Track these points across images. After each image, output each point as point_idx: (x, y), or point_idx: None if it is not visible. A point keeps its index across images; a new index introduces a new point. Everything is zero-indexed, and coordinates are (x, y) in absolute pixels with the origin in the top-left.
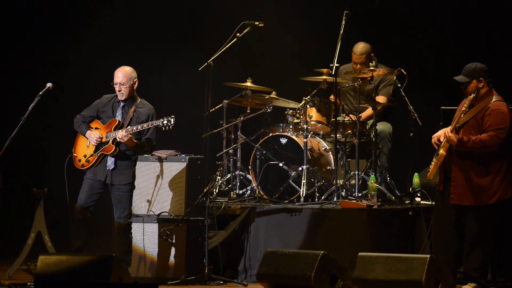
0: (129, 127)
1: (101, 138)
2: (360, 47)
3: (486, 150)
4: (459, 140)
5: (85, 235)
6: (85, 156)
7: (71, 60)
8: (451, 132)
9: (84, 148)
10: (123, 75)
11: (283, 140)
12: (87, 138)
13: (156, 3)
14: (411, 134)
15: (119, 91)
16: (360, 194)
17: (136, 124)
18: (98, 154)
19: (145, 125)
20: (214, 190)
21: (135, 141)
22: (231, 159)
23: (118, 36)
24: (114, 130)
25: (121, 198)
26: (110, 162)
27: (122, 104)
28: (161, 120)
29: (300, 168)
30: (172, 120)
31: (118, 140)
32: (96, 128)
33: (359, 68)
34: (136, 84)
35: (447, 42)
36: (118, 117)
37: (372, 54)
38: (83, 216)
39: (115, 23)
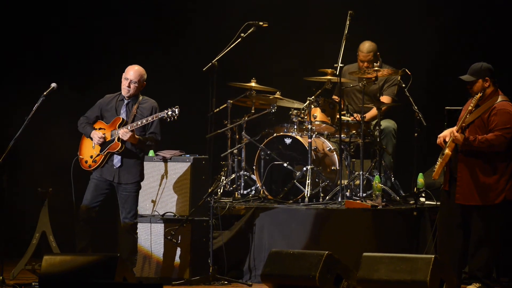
0: (133, 123)
1: (104, 137)
2: (367, 45)
3: (493, 149)
4: (465, 139)
5: (90, 235)
6: (91, 156)
7: (71, 61)
8: (457, 131)
9: (90, 149)
10: (136, 73)
11: (288, 140)
12: (92, 139)
13: (159, 4)
14: (416, 134)
15: (128, 87)
16: (364, 194)
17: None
18: (105, 153)
19: (149, 118)
20: (219, 190)
21: (138, 137)
22: (235, 159)
23: (121, 34)
24: (119, 127)
25: (127, 198)
26: (117, 160)
27: (125, 102)
28: (165, 111)
29: (304, 168)
30: (176, 110)
31: (120, 137)
32: (100, 129)
33: (366, 66)
34: (144, 85)
35: (452, 41)
36: (122, 114)
37: (378, 54)
38: (88, 216)
39: (119, 22)
